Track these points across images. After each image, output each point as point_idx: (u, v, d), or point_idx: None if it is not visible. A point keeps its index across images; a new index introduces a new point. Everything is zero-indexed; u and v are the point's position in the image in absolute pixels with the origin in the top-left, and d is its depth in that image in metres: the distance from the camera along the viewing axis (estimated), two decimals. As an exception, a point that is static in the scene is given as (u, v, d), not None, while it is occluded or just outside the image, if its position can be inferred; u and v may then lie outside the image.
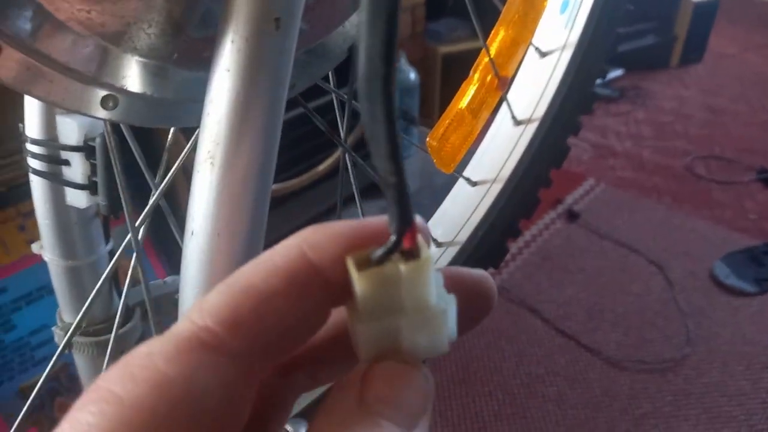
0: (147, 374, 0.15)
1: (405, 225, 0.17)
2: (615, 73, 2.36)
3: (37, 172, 0.39)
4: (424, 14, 1.85)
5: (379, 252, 0.18)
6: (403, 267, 0.18)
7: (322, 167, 1.41)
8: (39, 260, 1.18)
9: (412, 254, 0.18)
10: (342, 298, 0.18)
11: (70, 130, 0.38)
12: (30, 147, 0.39)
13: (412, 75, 1.71)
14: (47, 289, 1.14)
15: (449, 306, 0.19)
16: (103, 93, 0.28)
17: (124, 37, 0.26)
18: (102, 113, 0.28)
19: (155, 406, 0.15)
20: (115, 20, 0.25)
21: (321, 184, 1.47)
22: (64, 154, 0.39)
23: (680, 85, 2.48)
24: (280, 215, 1.44)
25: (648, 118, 2.25)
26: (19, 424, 0.36)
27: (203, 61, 0.29)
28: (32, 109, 0.38)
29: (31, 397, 0.36)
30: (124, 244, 0.33)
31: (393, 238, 0.18)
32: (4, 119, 1.19)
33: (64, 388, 1.18)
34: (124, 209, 0.32)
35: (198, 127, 0.32)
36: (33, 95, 0.26)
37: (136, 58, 0.27)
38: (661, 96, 2.40)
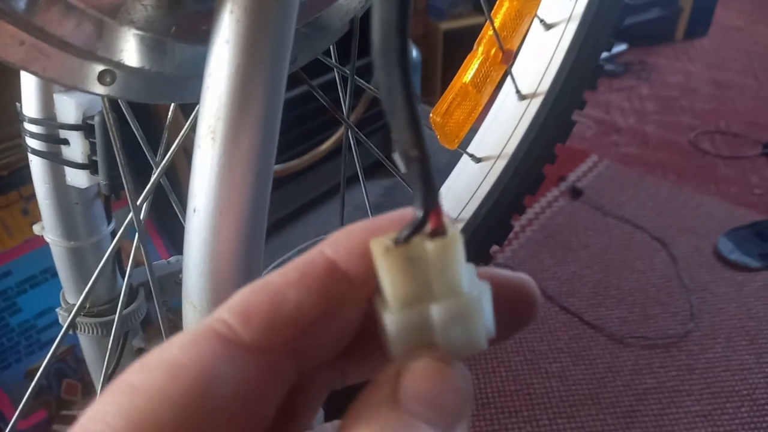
0: (160, 362, 0.16)
1: (430, 201, 0.17)
2: (619, 47, 2.33)
3: (36, 152, 0.39)
4: (426, -10, 1.83)
5: (403, 232, 0.17)
6: (430, 245, 0.16)
7: (324, 147, 1.40)
8: (43, 243, 1.18)
9: (438, 234, 0.17)
10: (367, 295, 0.18)
11: (68, 108, 0.37)
12: (28, 126, 0.38)
13: (414, 52, 1.69)
14: (52, 272, 1.14)
15: (483, 293, 0.18)
16: (100, 68, 0.27)
17: (121, 9, 0.25)
18: (100, 89, 0.28)
19: (167, 391, 0.15)
20: (111, -8, 0.24)
21: (323, 164, 1.46)
22: (63, 134, 0.38)
23: (686, 59, 2.45)
24: (282, 196, 1.43)
25: (652, 93, 2.22)
26: (24, 404, 0.36)
27: (202, 34, 0.29)
28: (29, 87, 0.38)
29: (37, 377, 0.36)
30: (126, 222, 0.33)
31: (418, 214, 0.17)
32: (2, 102, 1.18)
33: (71, 370, 1.19)
34: (126, 187, 0.31)
35: (198, 102, 0.31)
36: (29, 71, 0.25)
37: (134, 31, 0.26)
38: (666, 70, 2.37)
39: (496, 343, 0.21)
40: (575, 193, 1.69)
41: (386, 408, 0.16)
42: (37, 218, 1.17)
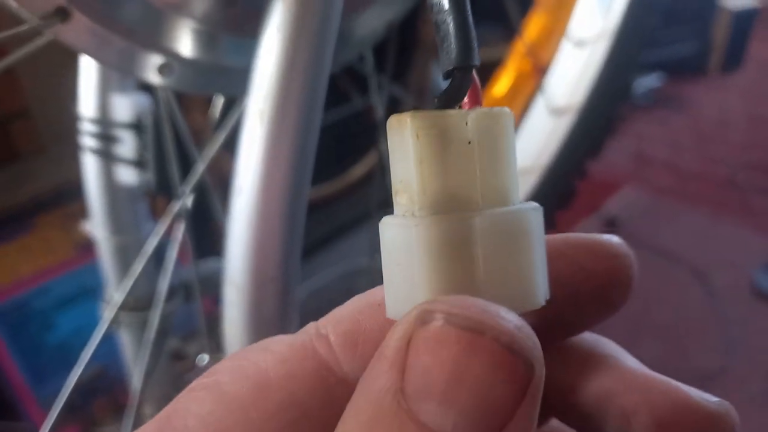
0: (254, 372, 0.15)
1: (470, 58, 0.12)
2: (652, 80, 2.33)
3: (89, 150, 0.41)
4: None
5: (438, 98, 0.12)
6: (473, 117, 0.12)
7: (352, 175, 1.42)
8: (82, 263, 1.21)
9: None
10: None
11: (122, 107, 0.39)
12: (83, 125, 0.41)
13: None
14: (90, 292, 1.17)
15: (536, 218, 0.13)
16: (160, 60, 0.29)
17: (183, 3, 0.28)
18: (158, 80, 0.30)
19: (250, 409, 0.14)
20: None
21: (351, 193, 1.48)
22: (116, 132, 0.40)
23: (720, 92, 2.43)
24: (308, 223, 1.44)
25: (687, 125, 2.21)
26: (56, 418, 0.37)
27: (250, 30, 0.31)
28: (87, 88, 0.40)
29: (72, 383, 0.37)
30: (174, 212, 0.35)
31: (455, 74, 0.12)
32: (49, 124, 1.24)
33: (103, 388, 1.21)
34: (174, 175, 0.33)
35: (240, 95, 0.33)
36: (99, 60, 0.27)
37: (192, 24, 0.29)
38: (701, 103, 2.35)
39: (569, 334, 0.16)
40: (609, 224, 1.68)
41: (387, 406, 0.11)
42: (79, 237, 1.20)
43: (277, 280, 0.29)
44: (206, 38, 0.29)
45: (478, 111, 0.12)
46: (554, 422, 0.17)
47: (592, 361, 0.16)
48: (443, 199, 0.12)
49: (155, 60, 0.29)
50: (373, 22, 0.37)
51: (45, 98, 1.22)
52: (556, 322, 0.16)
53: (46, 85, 1.22)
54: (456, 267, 0.12)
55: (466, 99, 0.13)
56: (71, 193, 1.20)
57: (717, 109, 2.33)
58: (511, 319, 0.11)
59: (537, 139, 0.61)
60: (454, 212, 0.12)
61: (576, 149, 0.62)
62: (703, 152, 2.05)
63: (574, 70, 0.60)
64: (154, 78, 0.30)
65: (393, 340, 0.11)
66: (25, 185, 1.20)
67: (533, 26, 0.53)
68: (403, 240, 0.12)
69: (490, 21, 2.01)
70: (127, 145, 0.40)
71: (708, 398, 0.15)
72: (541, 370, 0.11)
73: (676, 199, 1.80)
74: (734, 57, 2.52)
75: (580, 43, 0.60)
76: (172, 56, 0.29)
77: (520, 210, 0.12)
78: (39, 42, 0.27)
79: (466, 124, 0.12)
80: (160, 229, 0.36)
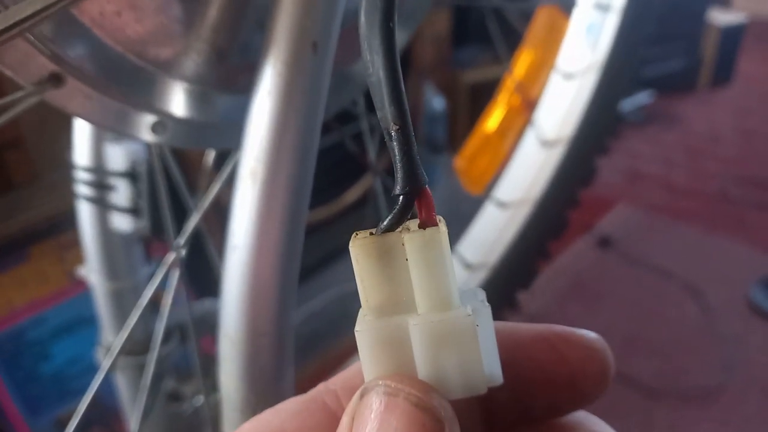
0: (270, 428, 0.16)
1: (413, 184, 0.14)
2: (642, 97, 2.35)
3: (84, 198, 0.42)
4: (450, 42, 1.88)
5: (383, 222, 0.14)
6: (408, 237, 0.14)
7: (348, 197, 1.43)
8: (77, 292, 1.21)
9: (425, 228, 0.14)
10: None
11: (117, 156, 0.40)
12: (78, 174, 0.41)
13: (440, 103, 1.73)
14: (85, 321, 1.17)
15: (480, 315, 0.14)
16: (153, 119, 0.30)
17: (174, 65, 0.28)
18: (152, 138, 0.30)
19: None
20: (168, 51, 0.27)
21: (346, 215, 1.48)
22: (111, 180, 0.41)
23: (710, 107, 2.46)
24: (303, 246, 1.45)
25: (677, 141, 2.23)
26: None
27: (242, 86, 0.31)
28: (81, 137, 0.41)
29: (79, 415, 0.37)
30: (169, 260, 0.35)
31: (400, 199, 0.14)
32: (43, 154, 1.24)
33: (99, 418, 1.20)
34: (169, 227, 0.34)
35: (234, 149, 0.34)
36: (93, 122, 0.28)
37: (184, 84, 0.29)
38: (691, 119, 2.38)
39: (552, 415, 0.17)
40: (603, 242, 1.69)
41: None
42: (73, 267, 1.20)
43: (271, 335, 0.29)
44: (198, 96, 0.30)
45: (413, 233, 0.14)
46: None
47: None
48: (385, 307, 0.14)
49: (148, 119, 0.30)
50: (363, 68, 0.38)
51: (39, 128, 1.22)
52: (536, 401, 0.17)
53: (40, 116, 1.22)
54: (392, 361, 0.14)
55: (420, 212, 0.14)
56: (65, 223, 1.20)
57: (707, 125, 2.36)
58: (421, 386, 0.13)
59: (529, 171, 0.62)
60: (392, 318, 0.14)
61: (567, 180, 0.63)
62: (695, 168, 2.07)
63: (563, 102, 0.61)
64: (147, 136, 0.30)
65: (345, 415, 0.14)
66: (18, 215, 1.19)
67: (522, 62, 0.54)
68: (357, 334, 0.14)
69: (479, 44, 2.03)
70: (121, 193, 0.41)
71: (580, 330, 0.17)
72: (452, 426, 0.13)
73: (669, 216, 1.81)
74: (723, 72, 2.56)
75: (568, 76, 0.61)
76: (165, 115, 0.29)
77: (454, 314, 0.14)
78: (29, 103, 0.28)
79: (402, 245, 0.14)
80: (156, 277, 0.37)
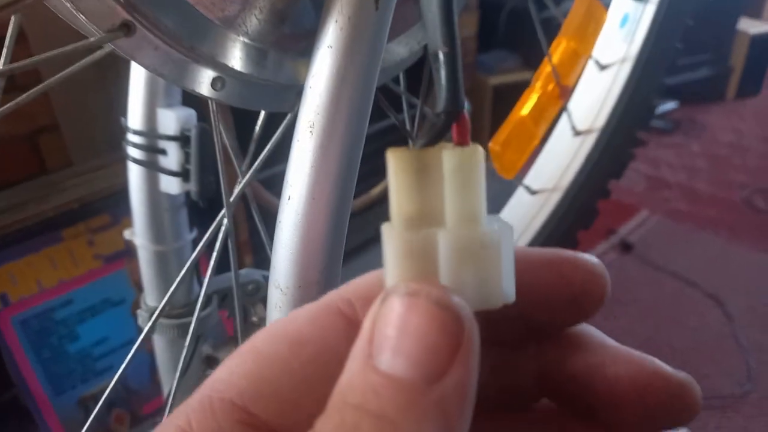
0: (286, 332, 0.17)
1: (455, 105, 0.15)
2: (669, 105, 2.34)
3: (136, 161, 0.43)
4: (476, 46, 1.89)
5: (421, 139, 0.15)
6: (448, 155, 0.14)
7: (376, 191, 1.44)
8: (104, 274, 1.23)
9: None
10: None
11: (169, 121, 0.41)
12: (131, 137, 0.43)
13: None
14: (111, 302, 1.19)
15: (504, 235, 0.15)
16: (213, 74, 0.31)
17: (238, 20, 0.29)
18: (211, 93, 0.32)
19: (289, 363, 0.16)
20: (235, 6, 0.29)
21: (372, 210, 1.49)
22: (162, 144, 0.42)
23: (737, 117, 2.44)
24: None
25: (703, 150, 2.21)
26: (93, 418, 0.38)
27: (298, 48, 0.33)
28: (136, 102, 0.42)
29: (103, 398, 0.39)
30: (217, 220, 0.36)
31: (441, 117, 0.15)
32: (77, 140, 1.27)
33: (121, 400, 1.22)
34: (221, 184, 0.35)
35: (285, 113, 0.35)
36: (158, 73, 0.29)
37: (245, 40, 0.31)
38: (717, 128, 2.36)
39: (556, 330, 0.19)
40: (625, 247, 1.68)
41: (358, 363, 0.14)
42: (101, 250, 1.21)
43: (320, 284, 0.31)
44: (256, 54, 0.31)
45: (452, 149, 0.15)
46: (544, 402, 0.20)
47: (579, 343, 0.19)
48: (414, 219, 0.15)
49: (208, 74, 0.31)
50: (411, 43, 0.39)
51: (73, 113, 1.25)
52: (540, 317, 0.18)
53: (74, 101, 1.25)
54: (416, 268, 0.15)
55: (455, 135, 0.15)
56: (96, 207, 1.23)
57: (734, 134, 2.34)
58: (443, 288, 0.14)
59: (560, 158, 0.62)
60: (421, 228, 0.15)
61: (598, 170, 0.63)
62: (720, 177, 2.05)
63: (597, 92, 0.62)
64: (206, 91, 0.31)
65: (366, 320, 0.14)
66: (52, 198, 1.22)
67: (558, 49, 0.55)
68: (384, 241, 0.15)
69: (504, 50, 2.03)
70: (171, 157, 0.42)
71: (677, 371, 0.18)
72: (471, 326, 0.14)
73: (692, 223, 1.80)
74: (752, 82, 2.53)
75: (603, 67, 0.62)
76: (225, 71, 0.31)
77: (481, 230, 0.14)
78: (99, 54, 0.29)
79: (439, 161, 0.15)
80: (203, 238, 0.38)
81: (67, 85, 1.22)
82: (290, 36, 0.33)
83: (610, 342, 0.19)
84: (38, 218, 1.18)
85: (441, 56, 0.15)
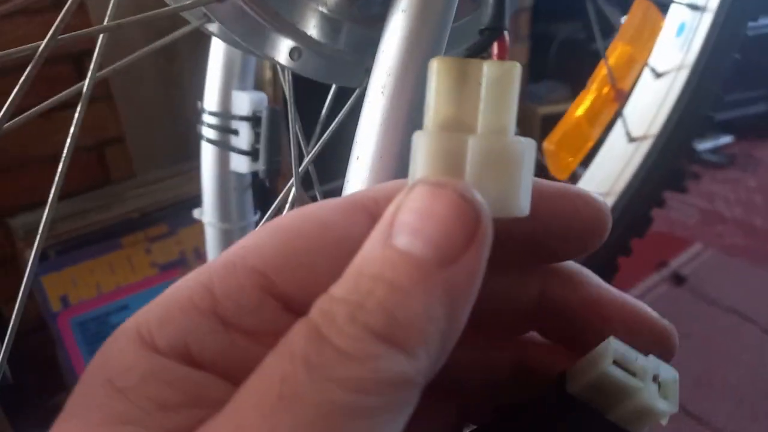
0: (314, 215, 0.17)
1: (499, 23, 0.16)
2: (724, 139, 2.29)
3: (210, 141, 0.46)
4: (527, 76, 1.91)
5: (466, 49, 0.16)
6: (488, 66, 0.15)
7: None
8: (160, 282, 1.27)
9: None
10: None
11: (242, 102, 0.44)
12: (206, 118, 0.46)
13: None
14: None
15: (529, 150, 0.16)
16: (291, 44, 0.34)
17: (318, -9, 0.32)
18: (288, 63, 0.34)
19: (314, 240, 0.16)
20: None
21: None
22: (234, 125, 0.45)
23: (793, 153, 2.37)
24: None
25: (760, 185, 2.15)
26: None
27: (371, 19, 0.35)
28: (212, 85, 0.46)
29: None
30: (284, 191, 0.38)
31: (485, 33, 0.16)
32: (141, 152, 1.33)
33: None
34: (291, 154, 0.37)
35: (355, 88, 0.37)
36: (244, 40, 0.32)
37: (323, 11, 0.33)
38: (774, 164, 2.30)
39: (556, 259, 0.20)
40: (678, 280, 1.64)
41: (378, 241, 0.15)
42: (159, 258, 1.26)
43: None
44: (333, 25, 0.34)
45: (493, 61, 0.16)
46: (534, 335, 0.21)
47: (576, 280, 0.20)
48: (449, 123, 0.16)
49: (287, 44, 0.34)
50: (472, 27, 0.41)
51: (139, 127, 1.32)
52: (548, 245, 0.19)
53: (141, 115, 1.32)
54: (443, 167, 0.16)
55: (497, 50, 0.17)
56: (155, 217, 1.28)
57: (791, 171, 2.26)
58: (467, 184, 0.15)
59: (615, 163, 0.63)
60: (453, 132, 0.16)
61: (652, 178, 0.63)
62: (778, 213, 1.98)
63: (652, 99, 0.63)
64: (284, 60, 0.34)
65: (391, 205, 0.15)
66: (114, 207, 1.28)
67: (614, 53, 0.56)
68: (415, 144, 0.16)
69: (555, 81, 2.04)
70: (243, 137, 0.45)
71: (664, 320, 0.20)
72: (487, 222, 0.15)
73: (747, 259, 1.74)
74: (811, 119, 2.45)
75: (659, 74, 0.62)
76: (303, 40, 0.33)
77: (508, 140, 0.15)
78: (191, 26, 0.32)
79: (481, 69, 0.16)
80: (268, 214, 0.40)
81: (135, 98, 1.29)
82: (363, 10, 0.35)
83: (604, 284, 0.20)
84: (100, 225, 1.24)
85: None
